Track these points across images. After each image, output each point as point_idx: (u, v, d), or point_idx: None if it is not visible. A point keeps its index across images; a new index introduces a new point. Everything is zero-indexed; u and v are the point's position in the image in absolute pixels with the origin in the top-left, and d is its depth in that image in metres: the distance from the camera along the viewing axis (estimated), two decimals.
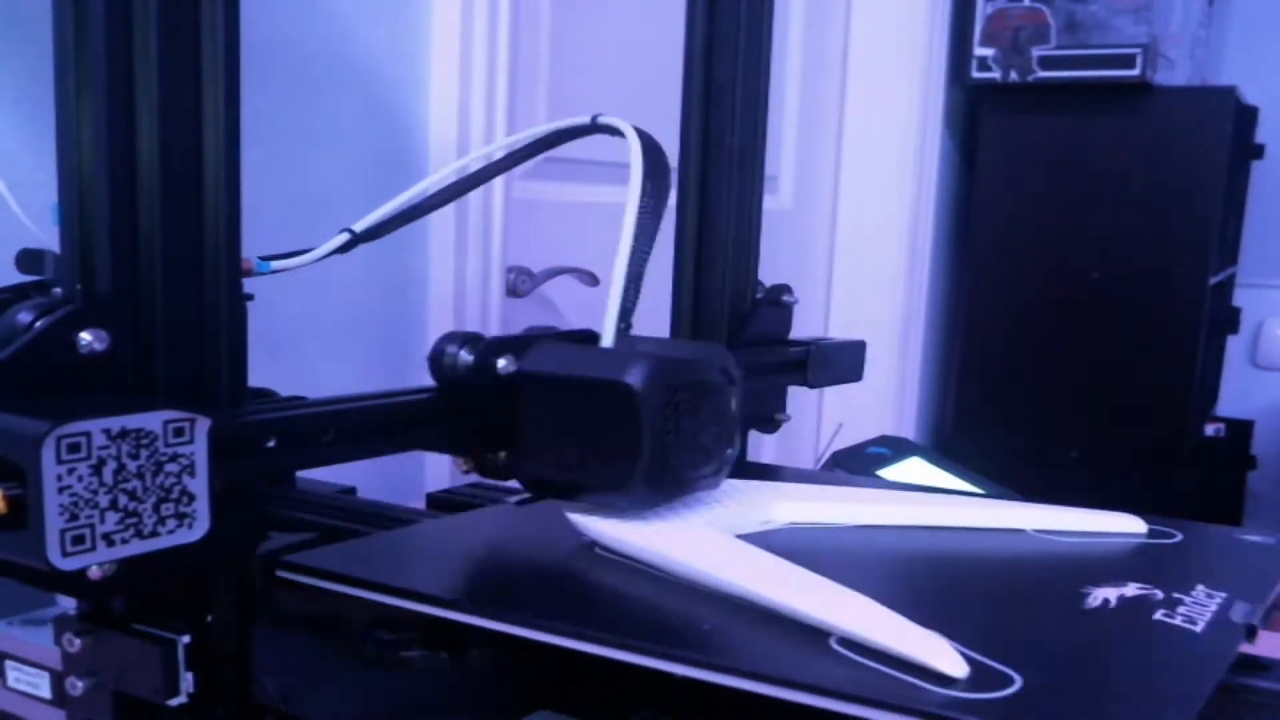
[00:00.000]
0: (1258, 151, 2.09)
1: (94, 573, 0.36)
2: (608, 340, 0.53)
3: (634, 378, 0.47)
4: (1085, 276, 1.86)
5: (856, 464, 0.87)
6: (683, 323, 0.72)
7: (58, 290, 0.42)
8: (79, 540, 0.35)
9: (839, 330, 1.88)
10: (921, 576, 0.51)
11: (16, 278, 0.47)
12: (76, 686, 0.43)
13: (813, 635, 0.39)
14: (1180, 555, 0.54)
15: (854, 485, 0.64)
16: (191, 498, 0.38)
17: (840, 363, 0.77)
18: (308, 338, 0.93)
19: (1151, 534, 0.56)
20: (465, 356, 0.51)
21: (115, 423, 0.36)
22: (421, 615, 0.43)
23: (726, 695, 0.37)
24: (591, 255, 1.23)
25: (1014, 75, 1.82)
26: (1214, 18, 2.16)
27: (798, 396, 0.75)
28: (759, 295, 0.74)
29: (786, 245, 1.77)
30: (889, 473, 0.90)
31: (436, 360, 0.51)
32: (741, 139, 0.71)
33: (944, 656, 0.36)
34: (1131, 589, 0.46)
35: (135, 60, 0.40)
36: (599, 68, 1.27)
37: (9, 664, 0.46)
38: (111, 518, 0.36)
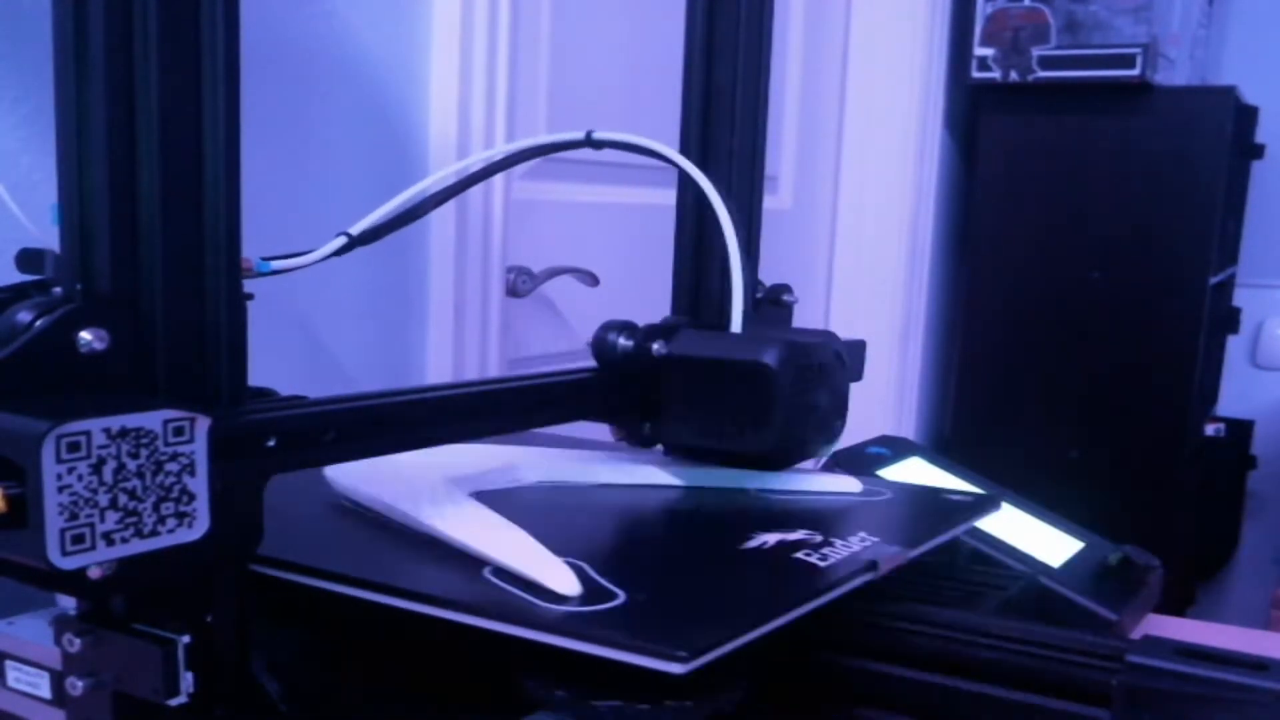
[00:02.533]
0: (1258, 151, 2.09)
1: (94, 572, 0.36)
2: (736, 326, 0.61)
3: (771, 358, 0.56)
4: (1085, 276, 1.86)
5: (856, 464, 0.87)
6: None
7: (58, 289, 0.42)
8: (79, 539, 0.35)
9: (839, 330, 1.88)
10: (610, 523, 0.59)
11: (16, 277, 0.47)
12: (76, 686, 0.43)
13: (473, 565, 0.47)
14: (869, 509, 0.61)
15: (628, 456, 0.70)
16: (191, 497, 0.38)
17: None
18: (308, 337, 0.93)
19: (865, 493, 0.64)
20: (624, 341, 0.60)
21: (115, 422, 0.36)
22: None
23: (395, 618, 0.44)
24: (592, 255, 1.23)
25: (1014, 75, 1.82)
26: (1214, 18, 2.16)
27: None
28: (759, 295, 0.74)
29: (786, 245, 1.77)
30: (889, 473, 0.89)
31: (600, 344, 0.60)
32: (741, 139, 0.71)
33: (560, 578, 0.44)
34: (798, 534, 0.53)
35: (135, 60, 0.40)
36: (599, 68, 1.27)
37: (9, 664, 0.46)
38: (111, 517, 0.36)
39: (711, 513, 0.60)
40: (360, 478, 0.56)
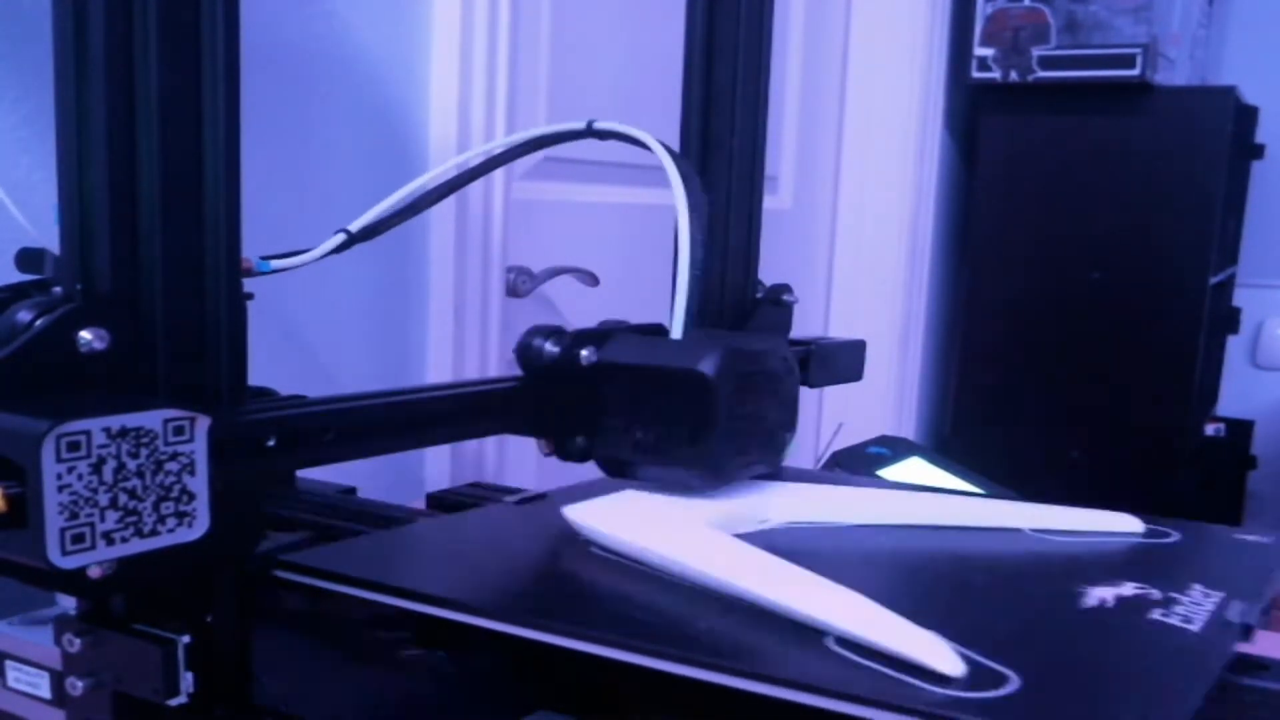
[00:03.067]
0: (1258, 151, 2.09)
1: (94, 571, 0.36)
2: (677, 332, 0.56)
3: (707, 365, 0.52)
4: (1085, 276, 1.86)
5: (856, 464, 0.87)
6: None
7: (58, 289, 0.42)
8: (79, 539, 0.35)
9: (839, 330, 1.88)
10: (918, 575, 0.51)
11: (16, 277, 0.48)
12: (76, 686, 0.43)
13: (809, 635, 0.40)
14: (1176, 555, 0.54)
15: (852, 485, 0.64)
16: (191, 496, 0.38)
17: (840, 362, 0.77)
18: (308, 337, 0.93)
19: (1148, 533, 0.56)
20: (550, 348, 0.55)
21: (115, 421, 0.36)
22: (418, 614, 0.43)
23: (723, 695, 0.37)
24: (592, 255, 1.23)
25: (1014, 75, 1.82)
26: (1214, 18, 2.16)
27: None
28: (759, 294, 0.74)
29: (786, 245, 1.77)
30: (889, 473, 0.89)
31: (524, 351, 0.55)
32: (741, 139, 0.71)
33: (941, 655, 0.36)
34: (1128, 588, 0.46)
35: (135, 60, 0.40)
36: (599, 67, 1.27)
37: (9, 664, 0.46)
38: (111, 516, 0.36)
39: (1013, 560, 0.52)
40: (615, 524, 0.50)
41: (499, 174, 1.06)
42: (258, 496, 0.44)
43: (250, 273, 0.45)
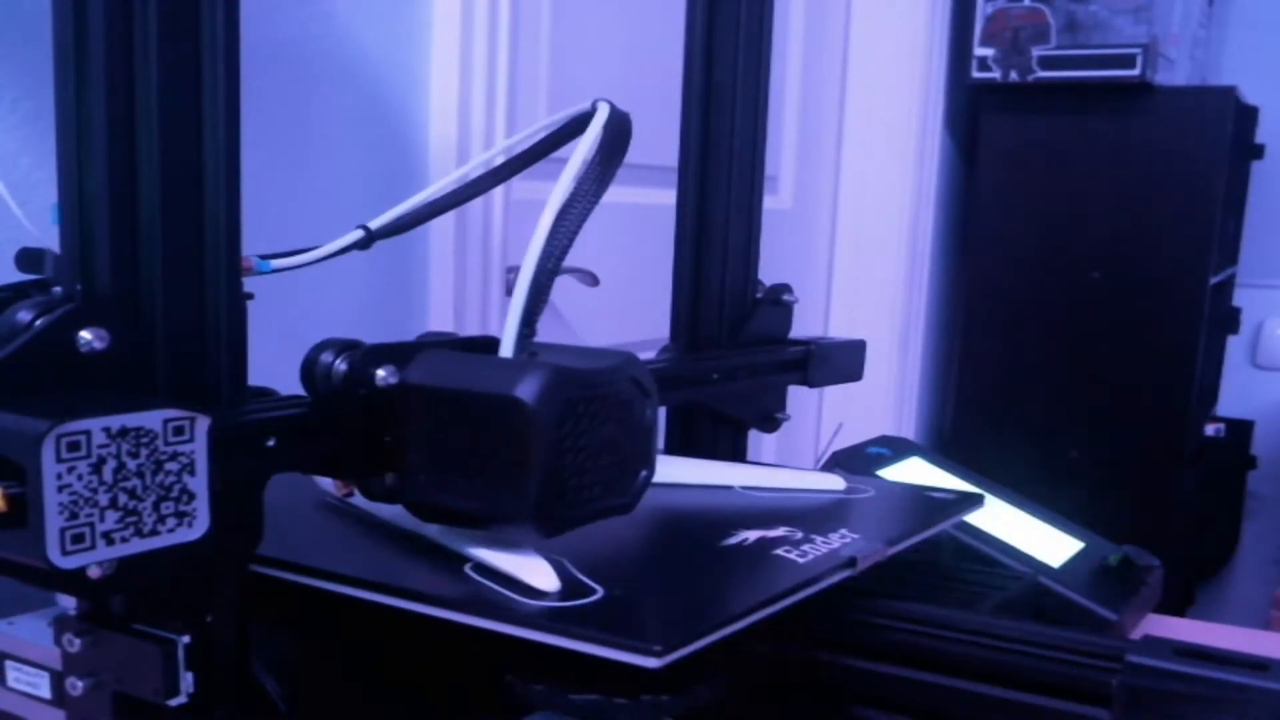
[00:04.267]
0: (1258, 151, 2.09)
1: (94, 571, 0.36)
2: (506, 349, 0.48)
3: (525, 391, 0.42)
4: (1085, 276, 1.86)
5: (856, 464, 0.87)
6: (682, 323, 0.72)
7: (58, 289, 0.42)
8: (79, 539, 0.35)
9: (839, 330, 1.88)
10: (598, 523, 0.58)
11: (16, 277, 0.48)
12: (76, 686, 0.43)
13: (453, 561, 0.47)
14: (851, 507, 0.60)
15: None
16: (191, 496, 0.38)
17: (840, 362, 0.77)
18: (308, 337, 0.93)
19: (848, 491, 0.63)
20: (340, 366, 0.45)
21: (115, 421, 0.36)
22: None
23: (376, 611, 0.44)
24: (592, 255, 1.23)
25: (1014, 75, 1.82)
26: (1214, 18, 2.16)
27: (798, 396, 0.75)
28: (759, 294, 0.74)
29: (786, 245, 1.77)
30: (889, 473, 0.89)
31: (309, 370, 0.46)
32: (741, 139, 0.71)
33: (539, 574, 0.44)
34: (779, 531, 0.53)
35: (135, 60, 0.40)
36: (599, 68, 1.27)
37: (9, 664, 0.46)
38: (111, 516, 0.36)
39: (694, 510, 0.59)
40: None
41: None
42: (258, 497, 0.44)
43: (250, 272, 0.45)
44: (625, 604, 0.43)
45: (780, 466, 0.65)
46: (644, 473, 0.48)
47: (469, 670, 0.46)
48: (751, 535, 0.53)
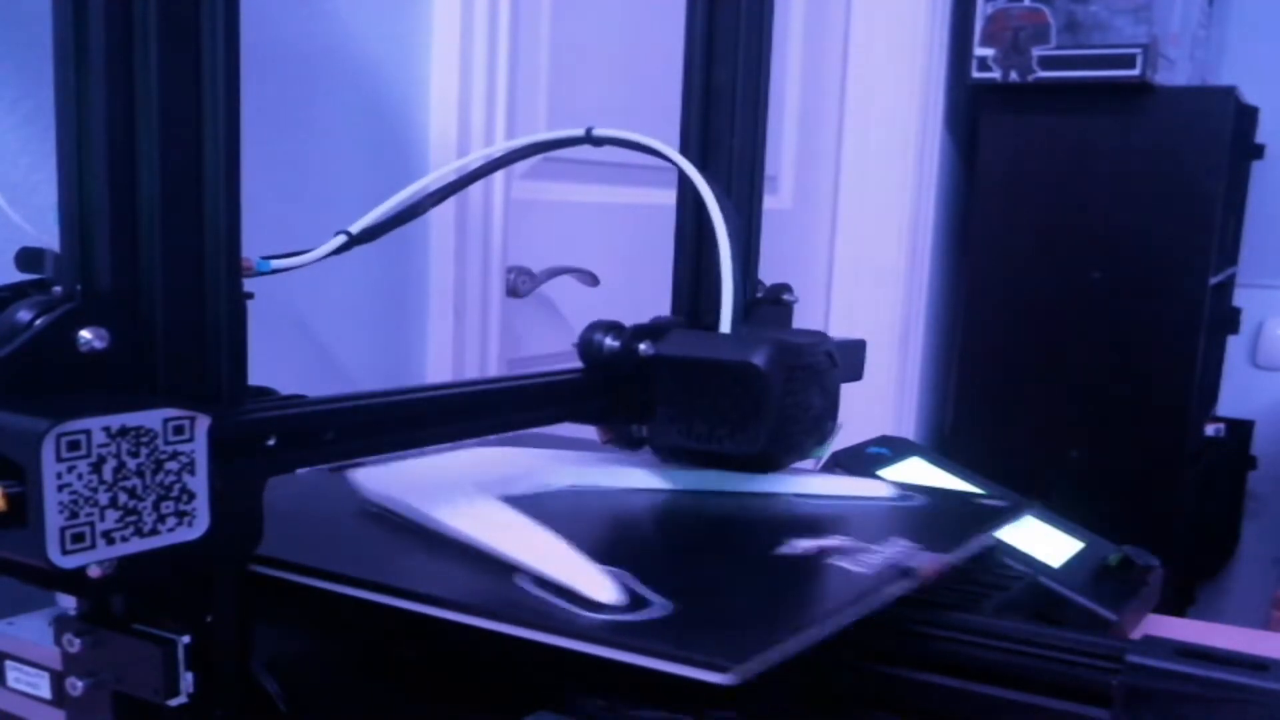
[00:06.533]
0: (1258, 151, 2.09)
1: (94, 571, 0.36)
2: (726, 327, 0.60)
3: (760, 359, 0.55)
4: (1085, 276, 1.86)
5: (856, 464, 0.87)
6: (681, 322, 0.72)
7: (58, 289, 0.42)
8: (79, 538, 0.35)
9: (839, 330, 1.88)
10: (643, 529, 0.59)
11: (16, 277, 0.47)
12: (76, 686, 0.43)
13: (506, 572, 0.46)
14: (903, 515, 0.60)
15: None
16: (191, 496, 0.38)
17: (840, 362, 0.76)
18: (308, 337, 0.93)
19: (898, 498, 0.63)
20: (610, 342, 0.58)
21: (115, 420, 0.36)
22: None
23: (422, 624, 0.43)
24: (592, 255, 1.23)
25: (1014, 75, 1.82)
26: (1214, 18, 2.16)
27: None
28: (759, 294, 0.74)
29: (786, 245, 1.77)
30: (889, 473, 0.89)
31: (586, 345, 0.59)
32: (741, 139, 0.71)
33: (598, 586, 0.43)
34: (833, 540, 0.52)
35: (135, 60, 0.40)
36: (599, 67, 1.27)
37: (9, 664, 0.46)
38: (111, 515, 0.36)
39: (746, 518, 0.59)
40: (387, 482, 0.56)
41: (499, 174, 1.06)
42: (258, 496, 0.44)
43: (250, 272, 0.45)
44: (691, 618, 0.42)
45: (827, 473, 0.65)
46: (830, 424, 0.61)
47: (514, 684, 0.45)
48: (806, 544, 0.52)
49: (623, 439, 0.61)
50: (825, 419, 0.61)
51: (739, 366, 0.56)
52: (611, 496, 0.62)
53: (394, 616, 0.44)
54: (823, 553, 0.51)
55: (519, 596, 0.43)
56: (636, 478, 0.63)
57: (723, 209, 0.60)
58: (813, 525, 0.56)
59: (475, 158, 0.63)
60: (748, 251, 0.67)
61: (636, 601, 0.43)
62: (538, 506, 0.54)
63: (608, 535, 0.56)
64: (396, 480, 0.56)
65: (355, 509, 0.56)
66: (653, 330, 0.59)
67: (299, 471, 0.64)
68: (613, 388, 0.59)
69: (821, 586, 0.47)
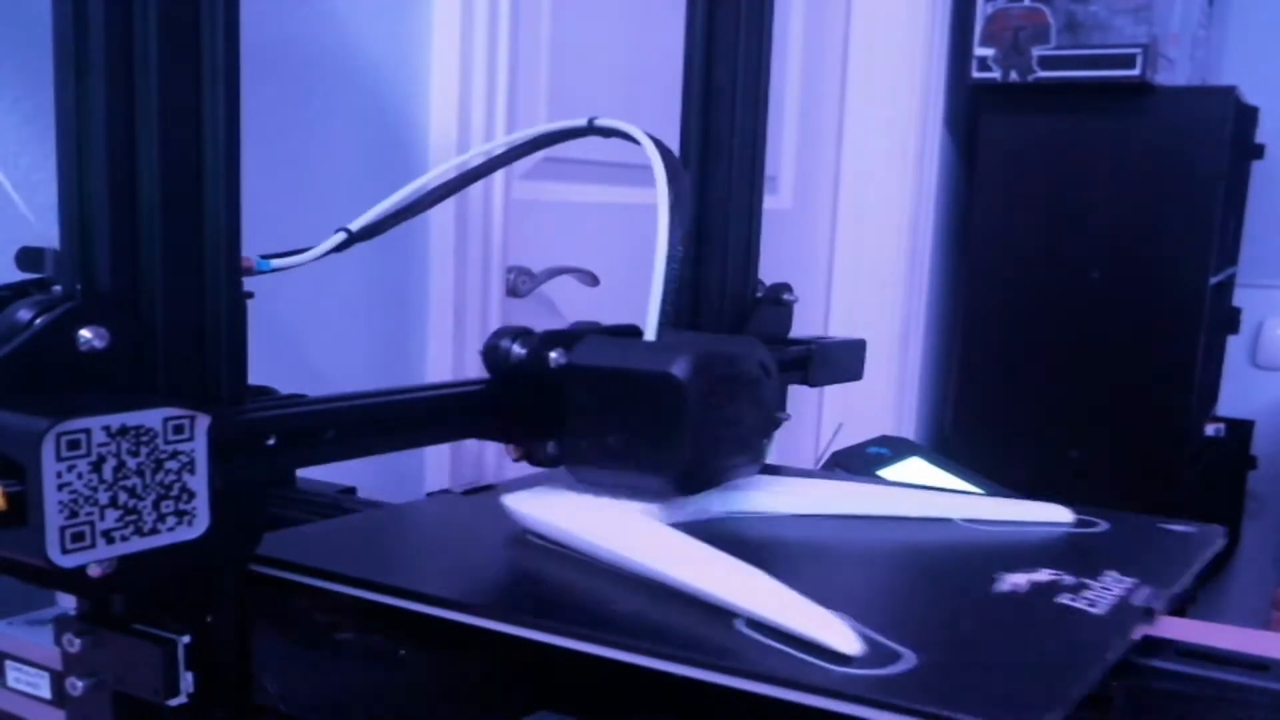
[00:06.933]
0: (1258, 151, 2.09)
1: (94, 570, 0.36)
2: (650, 334, 0.55)
3: (679, 369, 0.50)
4: (1085, 276, 1.86)
5: (856, 464, 0.87)
6: (682, 321, 0.72)
7: (58, 288, 0.42)
8: (79, 537, 0.35)
9: (839, 330, 1.88)
10: (840, 562, 0.53)
11: (17, 276, 0.48)
12: (76, 686, 0.43)
13: (719, 617, 0.41)
14: (1099, 543, 0.56)
15: (806, 479, 0.65)
16: (191, 495, 0.38)
17: (840, 362, 0.77)
18: (308, 337, 0.93)
19: (1078, 523, 0.59)
20: (518, 350, 0.54)
21: (115, 420, 0.36)
22: (355, 599, 0.45)
23: (633, 674, 0.39)
24: (591, 255, 1.23)
25: (1014, 75, 1.82)
26: (1214, 18, 2.16)
27: (798, 396, 0.75)
28: (759, 294, 0.74)
29: (786, 245, 1.77)
30: (889, 473, 0.89)
31: (491, 353, 0.54)
32: (741, 139, 0.71)
33: (840, 635, 0.38)
34: (1044, 575, 0.48)
35: (135, 60, 0.40)
36: (599, 67, 1.27)
37: (9, 664, 0.46)
38: (111, 515, 0.36)
39: (936, 549, 0.54)
40: (548, 511, 0.53)
41: (499, 174, 1.06)
42: (258, 496, 0.44)
43: (250, 272, 0.45)
44: (947, 672, 0.38)
45: (997, 496, 0.60)
46: (764, 441, 0.56)
47: None
48: (1019, 580, 0.47)
49: (534, 457, 0.55)
50: (756, 435, 0.55)
51: (655, 377, 0.50)
52: (778, 524, 0.57)
53: (606, 668, 0.40)
54: (1041, 589, 0.47)
55: (747, 646, 0.39)
56: (792, 501, 0.59)
57: (674, 204, 0.55)
58: (1013, 557, 0.51)
59: (475, 154, 0.63)
60: (691, 253, 0.60)
61: (882, 653, 0.38)
62: (706, 536, 0.50)
63: (798, 570, 0.49)
64: (553, 508, 0.53)
65: (513, 536, 0.53)
66: (566, 337, 0.54)
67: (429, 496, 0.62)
68: (521, 400, 0.54)
69: (1066, 630, 0.43)
